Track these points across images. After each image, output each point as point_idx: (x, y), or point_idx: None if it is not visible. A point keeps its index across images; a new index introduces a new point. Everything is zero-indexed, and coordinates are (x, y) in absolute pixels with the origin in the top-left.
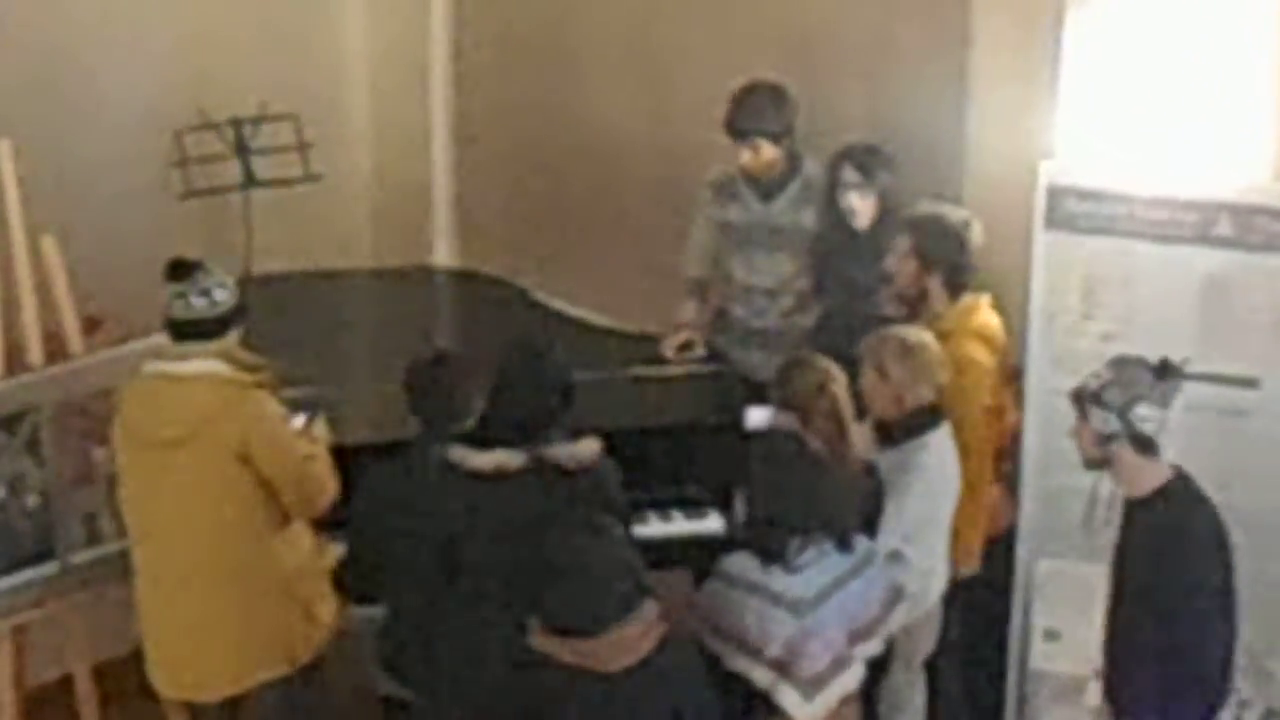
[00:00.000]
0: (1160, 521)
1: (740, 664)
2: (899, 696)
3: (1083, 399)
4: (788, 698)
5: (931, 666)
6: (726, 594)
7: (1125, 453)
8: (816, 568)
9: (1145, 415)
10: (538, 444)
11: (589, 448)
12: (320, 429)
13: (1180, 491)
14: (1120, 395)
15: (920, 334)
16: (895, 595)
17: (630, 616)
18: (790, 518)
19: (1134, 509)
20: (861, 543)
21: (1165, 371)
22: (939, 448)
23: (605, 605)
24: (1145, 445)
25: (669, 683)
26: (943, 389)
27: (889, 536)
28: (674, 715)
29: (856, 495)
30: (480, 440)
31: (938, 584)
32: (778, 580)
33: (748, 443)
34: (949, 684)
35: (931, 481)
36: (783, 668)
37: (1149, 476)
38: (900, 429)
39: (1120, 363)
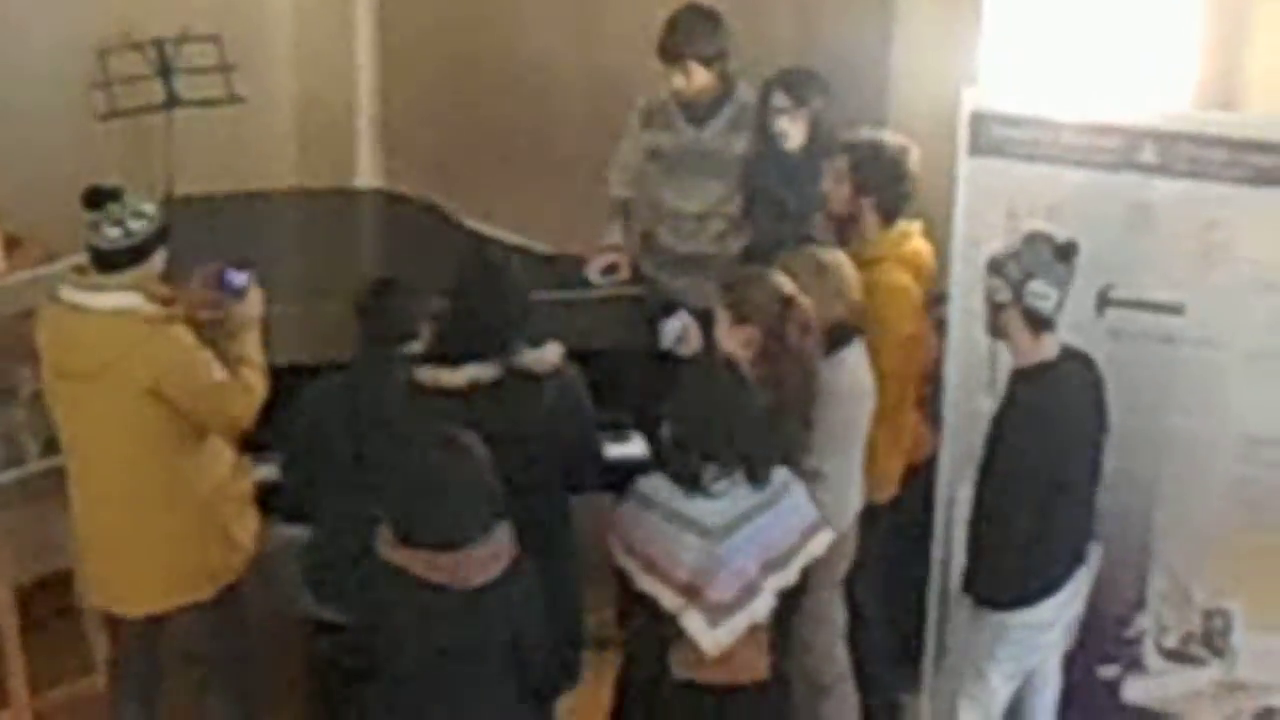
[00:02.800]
0: (1036, 393)
1: (649, 585)
2: (819, 613)
3: (988, 266)
4: (694, 623)
5: (851, 589)
6: (639, 515)
7: (1015, 323)
8: (730, 496)
9: (1038, 291)
10: (506, 355)
11: (554, 351)
12: (255, 294)
13: (1063, 369)
14: (1017, 269)
15: (834, 252)
16: (814, 526)
17: (486, 536)
18: (708, 444)
19: (1017, 379)
20: (779, 474)
21: (1065, 252)
22: (853, 365)
23: (465, 522)
24: (1034, 319)
25: (512, 606)
26: (856, 307)
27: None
28: (513, 638)
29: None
30: (445, 358)
31: (854, 501)
32: (690, 505)
33: (667, 362)
34: (869, 607)
35: (846, 398)
36: (691, 593)
37: (1036, 350)
38: None
39: (1029, 238)
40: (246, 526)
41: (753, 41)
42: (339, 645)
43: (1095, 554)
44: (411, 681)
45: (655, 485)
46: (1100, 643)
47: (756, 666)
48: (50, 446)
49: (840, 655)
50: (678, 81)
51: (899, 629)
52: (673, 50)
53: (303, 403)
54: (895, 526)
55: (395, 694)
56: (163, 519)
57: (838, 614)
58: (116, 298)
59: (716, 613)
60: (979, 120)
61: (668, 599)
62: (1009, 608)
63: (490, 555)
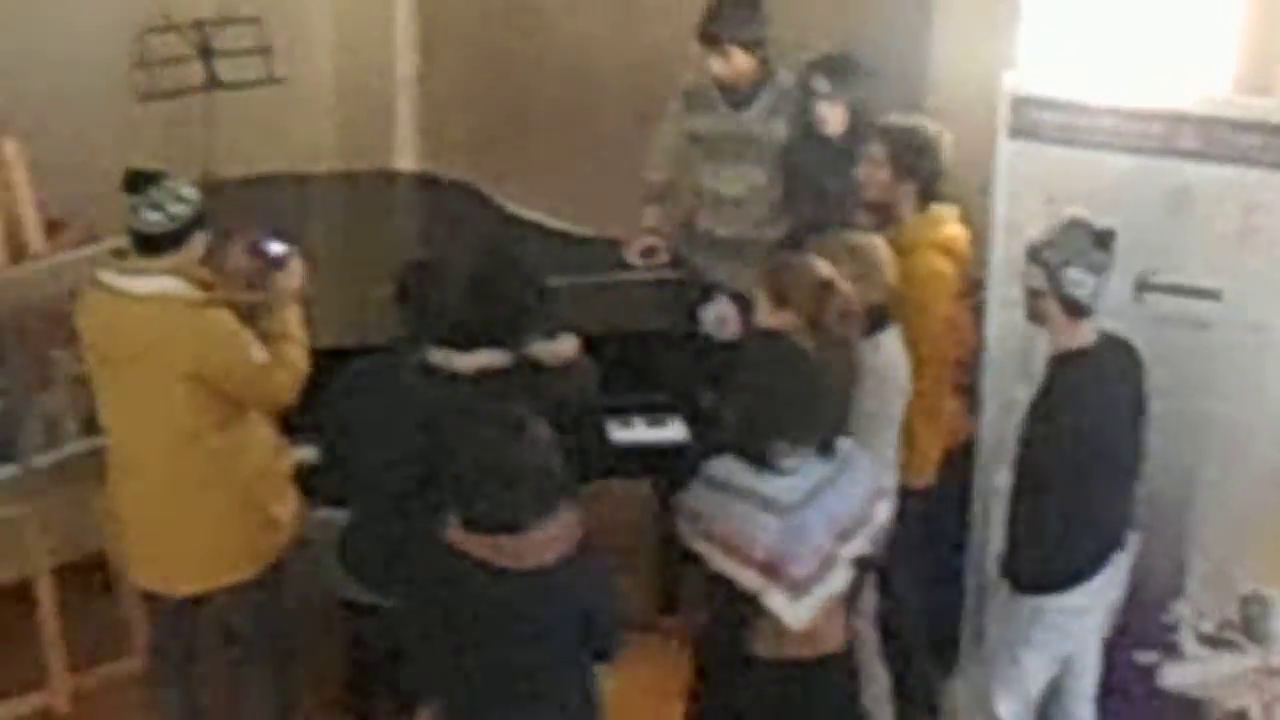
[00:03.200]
0: (1073, 379)
1: (728, 567)
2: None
3: (1026, 253)
4: (776, 600)
5: (886, 574)
6: (712, 497)
7: (1053, 309)
8: (801, 471)
9: (1074, 278)
10: (518, 344)
11: (568, 344)
12: (295, 265)
13: (1101, 354)
14: (1055, 255)
15: (868, 236)
16: (878, 493)
17: (550, 517)
18: (778, 420)
19: (1054, 364)
20: (843, 444)
21: (1103, 240)
22: (888, 349)
23: (528, 504)
24: (1071, 306)
25: (581, 586)
26: (891, 290)
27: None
28: (583, 619)
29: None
30: (459, 343)
31: (889, 499)
32: (764, 484)
33: (706, 346)
34: (905, 592)
35: (881, 382)
36: (770, 570)
37: (1073, 336)
38: None
39: (1066, 225)
40: (287, 506)
41: (792, 26)
42: (375, 627)
43: (1133, 540)
44: (478, 666)
45: (726, 467)
46: (1138, 628)
47: (836, 637)
48: (89, 428)
49: (869, 636)
50: (717, 65)
51: (935, 614)
52: (712, 34)
53: (341, 386)
54: (932, 511)
55: (459, 678)
56: (205, 499)
57: (870, 597)
58: (156, 282)
59: (797, 588)
60: (1019, 104)
61: (748, 579)
62: (1045, 592)
63: (555, 536)
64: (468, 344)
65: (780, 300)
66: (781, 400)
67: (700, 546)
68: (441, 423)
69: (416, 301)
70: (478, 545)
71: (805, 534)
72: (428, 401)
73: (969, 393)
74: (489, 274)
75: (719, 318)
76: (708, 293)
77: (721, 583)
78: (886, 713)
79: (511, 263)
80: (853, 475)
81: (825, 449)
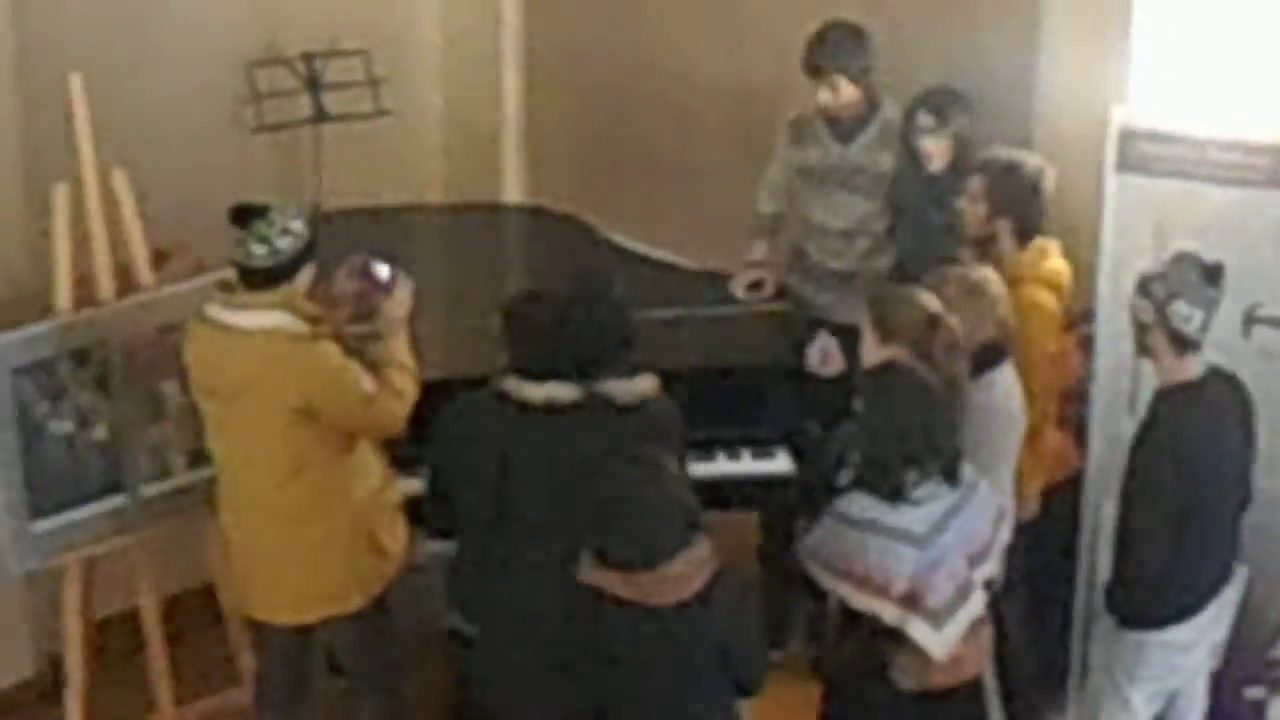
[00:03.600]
0: (1178, 413)
1: (866, 603)
2: None
3: (1135, 285)
4: (919, 630)
5: (997, 609)
6: (845, 534)
7: (1159, 343)
8: (932, 499)
9: (1182, 313)
10: (590, 379)
11: (645, 384)
12: (404, 288)
13: (1207, 388)
14: (1163, 289)
15: (983, 271)
16: (1000, 514)
17: (684, 552)
18: (908, 451)
19: (1159, 397)
20: (966, 469)
21: (1213, 275)
22: (1004, 386)
23: (660, 540)
24: (1178, 340)
25: (719, 618)
26: (1006, 327)
27: None
28: (721, 651)
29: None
30: (534, 373)
31: (1007, 522)
32: (897, 516)
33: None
34: (1014, 627)
35: (996, 420)
36: (910, 602)
37: (1180, 370)
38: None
39: (1176, 259)
40: (396, 536)
41: (898, 58)
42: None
43: (1241, 575)
44: (622, 702)
45: (857, 503)
46: (1246, 663)
47: (976, 662)
48: (196, 460)
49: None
50: (824, 96)
51: (1044, 649)
52: (819, 64)
53: (448, 417)
54: (1039, 545)
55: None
56: (312, 530)
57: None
58: (263, 316)
59: (938, 617)
60: (1127, 137)
61: (888, 613)
62: (1150, 628)
63: (690, 570)
64: (543, 375)
65: (887, 333)
66: (911, 431)
67: (836, 586)
68: (509, 450)
69: (510, 331)
70: (615, 582)
71: (941, 563)
72: (497, 429)
73: (1076, 426)
74: (573, 306)
75: (821, 354)
76: (814, 328)
77: (860, 619)
78: None
79: (598, 296)
80: (978, 499)
81: (951, 476)
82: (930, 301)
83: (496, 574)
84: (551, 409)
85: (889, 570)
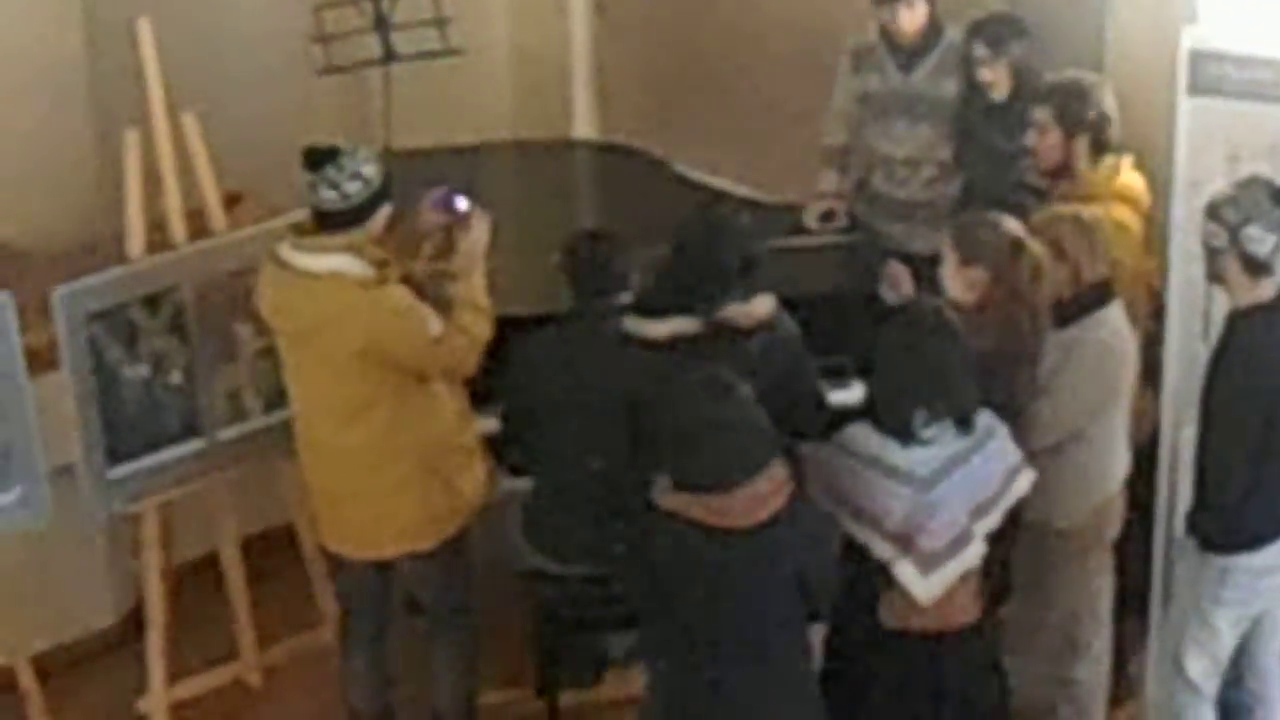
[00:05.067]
0: (1254, 334)
1: (860, 533)
2: (1085, 578)
3: (1205, 211)
4: (906, 572)
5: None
6: (843, 462)
7: (1232, 268)
8: (938, 443)
9: (1254, 235)
10: (713, 309)
11: (764, 305)
12: (482, 223)
13: (1277, 312)
14: (1234, 213)
15: (1092, 210)
16: (1016, 468)
17: (760, 474)
18: (917, 391)
19: (1234, 320)
20: (983, 418)
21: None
22: (1115, 323)
23: (737, 462)
24: (1251, 264)
25: (795, 541)
26: (1117, 266)
27: (1066, 415)
28: (797, 574)
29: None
30: (652, 310)
31: (1120, 463)
32: (897, 454)
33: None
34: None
35: (1109, 358)
36: (902, 542)
37: (1253, 293)
38: (1075, 307)
39: (1245, 183)
40: (473, 476)
41: None
42: (560, 596)
43: None
44: (697, 627)
45: (861, 434)
46: None
47: (968, 610)
48: (272, 402)
49: (1105, 619)
50: (903, 17)
51: (1127, 577)
52: None
53: (518, 356)
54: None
55: (678, 639)
56: (384, 470)
57: (1107, 578)
58: (330, 260)
59: (928, 562)
60: (1198, 59)
61: (879, 547)
62: (1232, 551)
63: (765, 493)
64: (660, 310)
65: (968, 257)
66: (925, 371)
67: (832, 508)
68: (640, 389)
69: (588, 270)
70: (691, 506)
71: (938, 508)
72: (625, 370)
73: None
74: (693, 239)
75: (892, 279)
76: (885, 257)
77: (854, 548)
78: None
79: (717, 228)
80: (990, 451)
81: (963, 424)
82: (1014, 226)
83: (591, 508)
84: (676, 342)
85: (884, 506)
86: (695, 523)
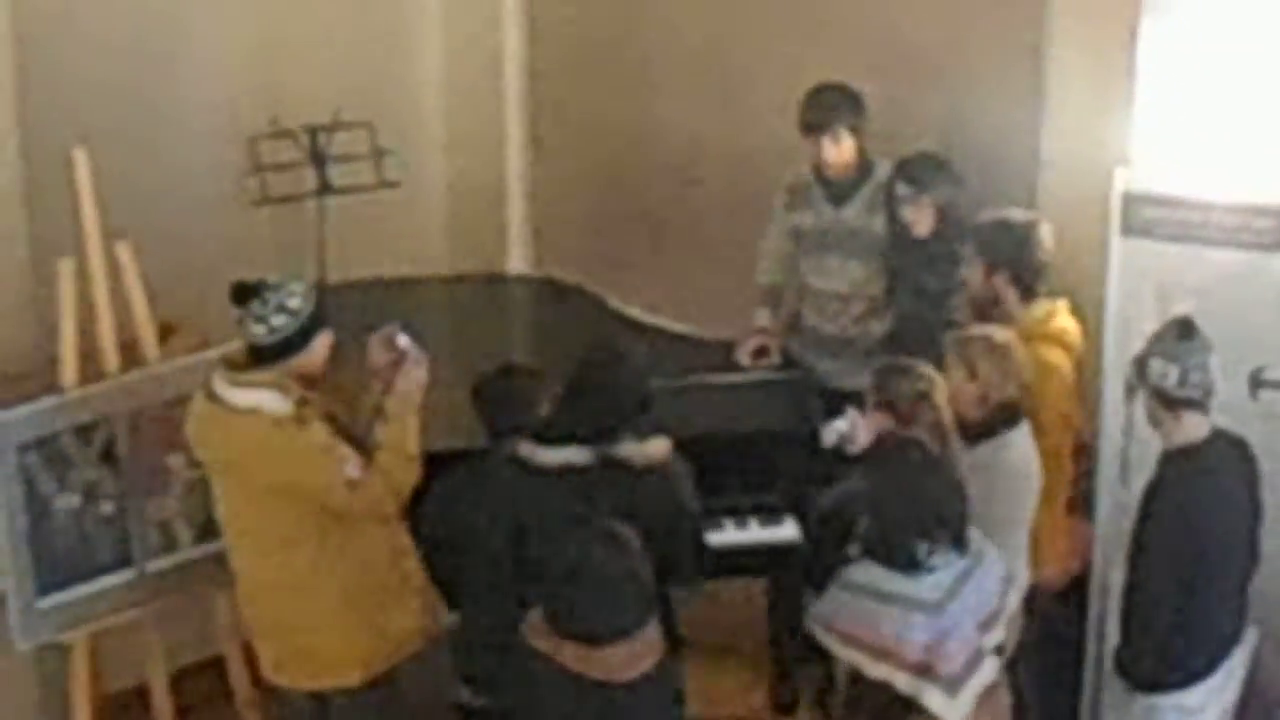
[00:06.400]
0: (1182, 475)
1: (879, 671)
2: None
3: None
4: (933, 699)
5: (1013, 675)
6: (857, 603)
7: (1151, 405)
8: (943, 568)
9: (1156, 369)
10: (609, 443)
11: (659, 447)
12: (420, 367)
13: (1211, 451)
14: (1143, 350)
15: (1006, 332)
16: (1007, 580)
17: (638, 632)
18: (921, 523)
19: (1164, 460)
20: (974, 535)
21: (1183, 329)
22: (1020, 446)
23: (619, 617)
24: (1164, 399)
25: (660, 703)
26: (1026, 388)
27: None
28: None
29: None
30: (549, 438)
31: (1018, 586)
32: (909, 585)
33: (820, 450)
34: (1029, 691)
35: (1014, 480)
36: (924, 670)
37: (1180, 431)
38: (982, 428)
39: (1166, 323)
40: (403, 615)
41: (900, 122)
42: None
43: (1252, 637)
44: None
45: (868, 572)
46: None
47: None
48: (203, 533)
49: None
50: (828, 151)
51: (1058, 715)
52: (820, 118)
53: (439, 490)
54: (1053, 611)
55: None
56: (304, 605)
57: (1003, 694)
58: (250, 395)
59: (952, 684)
60: (1131, 201)
61: (902, 681)
62: (1160, 690)
63: (639, 652)
64: (557, 439)
65: (877, 402)
66: (921, 504)
67: (847, 655)
68: (525, 516)
69: (496, 406)
70: (560, 649)
71: (954, 630)
72: (512, 494)
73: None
74: (590, 371)
75: (852, 429)
76: (832, 397)
77: (873, 689)
78: None
79: (616, 362)
80: (987, 565)
81: (959, 543)
82: (928, 381)
83: (508, 644)
84: (566, 472)
85: (903, 639)
86: (566, 669)
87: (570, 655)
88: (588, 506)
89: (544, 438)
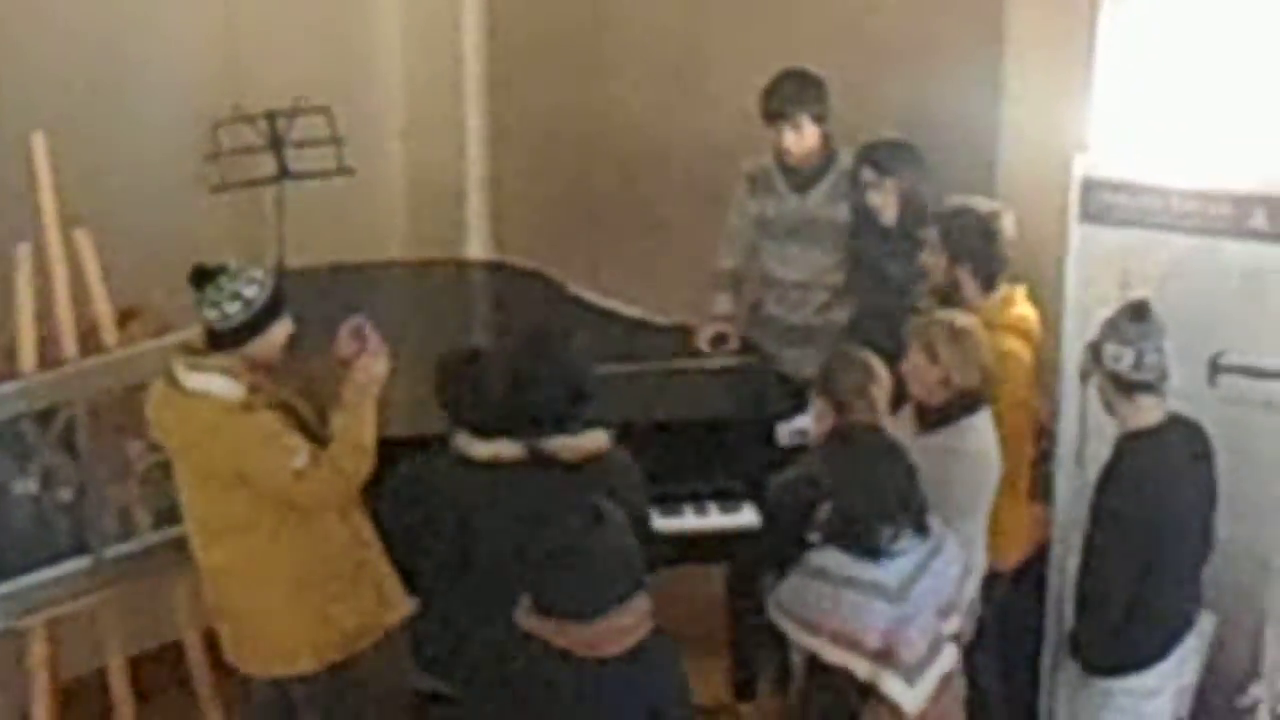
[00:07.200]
0: (1137, 459)
1: (839, 657)
2: None
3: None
4: (892, 686)
5: (970, 661)
6: (818, 589)
7: (1106, 389)
8: (905, 553)
9: (1111, 353)
10: (535, 437)
11: (593, 440)
12: (379, 358)
13: (1167, 435)
14: (1097, 334)
15: (968, 317)
16: (966, 568)
17: (624, 606)
18: (883, 509)
19: (1119, 444)
20: (934, 522)
21: (1136, 311)
22: (980, 432)
23: (602, 592)
24: (1119, 383)
25: (651, 676)
26: (987, 374)
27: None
28: (651, 710)
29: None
30: (485, 430)
31: (975, 573)
32: (871, 571)
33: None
34: (986, 678)
35: (974, 466)
36: (884, 657)
37: (1135, 415)
38: (943, 413)
39: (1120, 308)
40: (359, 604)
41: (860, 110)
42: (448, 717)
43: (1208, 622)
44: None
45: (831, 559)
46: (1213, 711)
47: (953, 714)
48: (162, 519)
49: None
50: (789, 139)
51: (1016, 700)
52: (781, 106)
53: (398, 479)
54: (1012, 596)
55: None
56: (253, 592)
57: (959, 682)
58: (201, 378)
59: (912, 672)
60: (1089, 187)
61: (861, 668)
62: (1114, 674)
63: (627, 625)
64: (491, 432)
65: (821, 390)
66: (883, 490)
67: (807, 640)
68: (466, 508)
69: (453, 389)
70: (551, 631)
71: (914, 617)
72: (452, 486)
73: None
74: (525, 365)
75: (800, 433)
76: (791, 385)
77: (832, 674)
78: None
79: (550, 355)
80: (946, 552)
81: (921, 528)
82: (865, 371)
83: (461, 630)
84: (496, 465)
85: (863, 625)
86: (554, 648)
87: (555, 632)
88: (520, 498)
89: (478, 430)
